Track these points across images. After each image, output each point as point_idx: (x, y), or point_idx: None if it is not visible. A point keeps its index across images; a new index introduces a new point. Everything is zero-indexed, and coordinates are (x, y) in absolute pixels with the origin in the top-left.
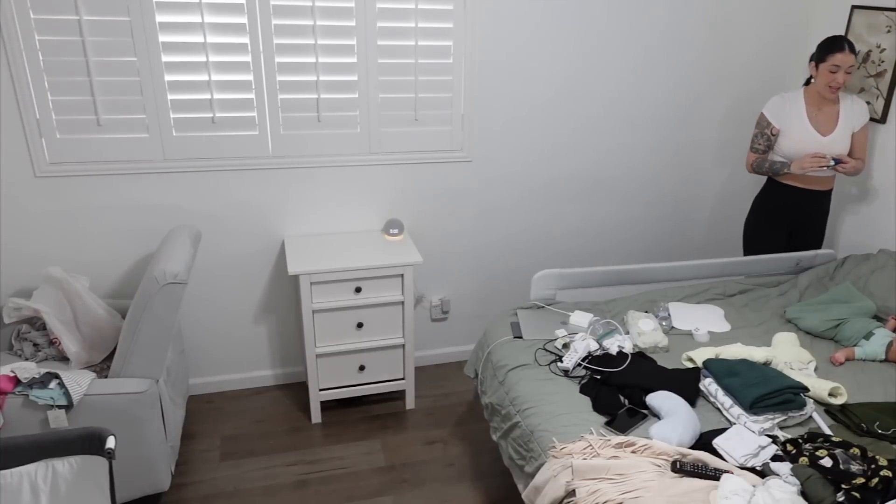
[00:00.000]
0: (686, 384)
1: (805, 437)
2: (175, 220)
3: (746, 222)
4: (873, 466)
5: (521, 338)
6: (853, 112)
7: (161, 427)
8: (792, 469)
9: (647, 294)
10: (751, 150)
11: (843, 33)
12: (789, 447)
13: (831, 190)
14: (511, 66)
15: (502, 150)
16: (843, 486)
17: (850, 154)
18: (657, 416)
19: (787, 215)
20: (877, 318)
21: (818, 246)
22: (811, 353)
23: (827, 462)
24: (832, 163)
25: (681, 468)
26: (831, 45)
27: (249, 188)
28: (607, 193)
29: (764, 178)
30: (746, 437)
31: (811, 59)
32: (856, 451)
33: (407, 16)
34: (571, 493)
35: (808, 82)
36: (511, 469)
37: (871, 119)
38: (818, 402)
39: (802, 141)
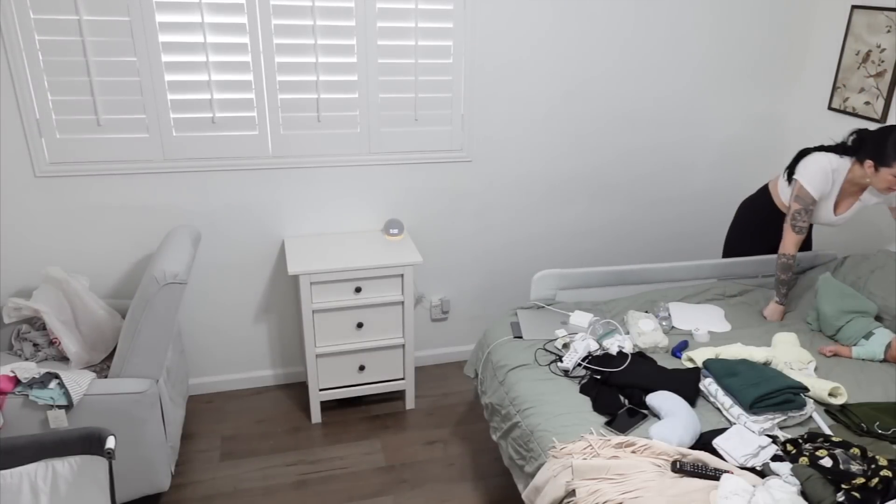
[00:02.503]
0: (686, 384)
1: (805, 437)
2: (175, 220)
3: (732, 228)
4: (873, 466)
5: (521, 338)
6: (872, 193)
7: (161, 427)
8: (792, 469)
9: (647, 294)
10: (794, 231)
11: (844, 33)
12: (789, 447)
13: None
14: (511, 65)
15: (502, 150)
16: (843, 486)
17: None
18: (657, 416)
19: (772, 229)
20: (878, 318)
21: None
22: (811, 353)
23: (827, 462)
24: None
25: (681, 468)
26: None
27: (249, 188)
28: (607, 194)
29: (756, 187)
30: (746, 437)
31: (863, 154)
32: (856, 451)
33: (407, 16)
34: (571, 493)
35: (850, 151)
36: (511, 469)
37: (871, 119)
38: (818, 402)
39: (817, 213)
